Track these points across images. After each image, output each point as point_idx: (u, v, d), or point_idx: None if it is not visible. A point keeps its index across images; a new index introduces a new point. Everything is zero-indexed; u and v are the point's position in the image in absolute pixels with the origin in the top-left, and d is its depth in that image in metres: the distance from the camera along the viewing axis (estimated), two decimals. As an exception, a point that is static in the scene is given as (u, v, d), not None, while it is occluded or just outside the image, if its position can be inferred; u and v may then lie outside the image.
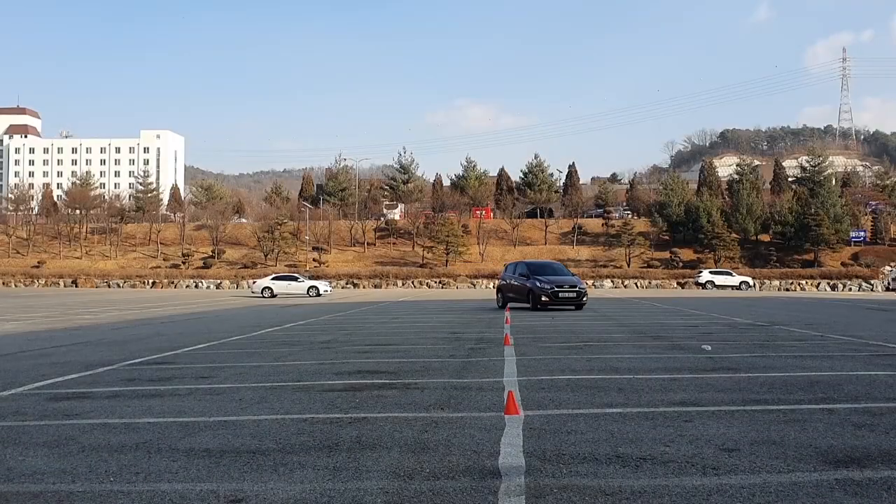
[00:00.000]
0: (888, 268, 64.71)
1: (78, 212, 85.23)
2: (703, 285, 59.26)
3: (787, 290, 61.38)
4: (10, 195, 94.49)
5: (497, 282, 29.95)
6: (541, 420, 5.88)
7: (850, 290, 60.99)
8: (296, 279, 45.13)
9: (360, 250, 77.88)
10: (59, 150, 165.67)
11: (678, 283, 64.26)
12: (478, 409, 6.40)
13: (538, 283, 23.04)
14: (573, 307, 23.19)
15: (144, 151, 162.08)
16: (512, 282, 25.27)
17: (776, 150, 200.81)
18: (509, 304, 24.70)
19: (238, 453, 4.93)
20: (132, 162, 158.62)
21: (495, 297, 27.60)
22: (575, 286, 23.40)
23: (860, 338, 13.29)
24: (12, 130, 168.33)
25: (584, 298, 23.44)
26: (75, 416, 6.35)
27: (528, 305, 23.51)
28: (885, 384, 7.68)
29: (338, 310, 26.10)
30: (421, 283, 66.65)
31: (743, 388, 7.46)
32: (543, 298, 22.64)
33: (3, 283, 69.60)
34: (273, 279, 44.62)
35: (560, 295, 22.85)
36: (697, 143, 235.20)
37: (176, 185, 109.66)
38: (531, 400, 6.82)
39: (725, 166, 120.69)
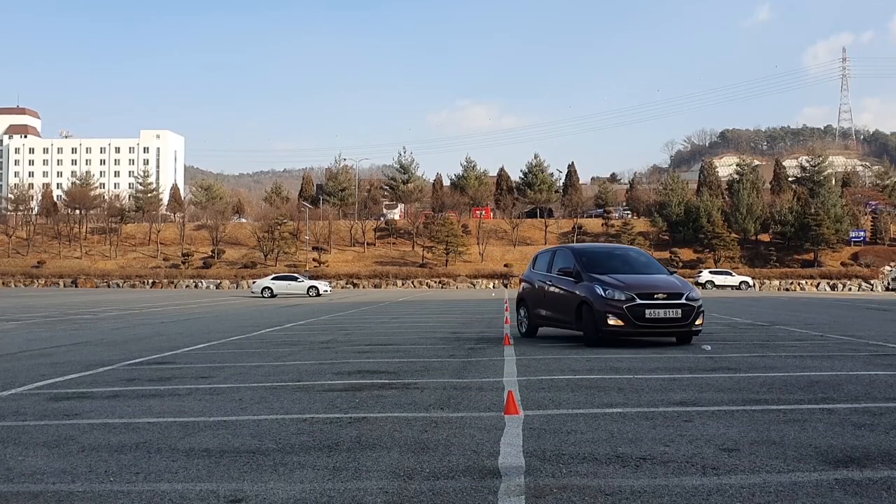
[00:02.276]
0: (888, 268, 64.72)
1: (78, 212, 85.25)
2: (703, 285, 59.28)
3: (787, 289, 61.38)
4: (10, 195, 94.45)
5: (518, 287, 15.44)
6: (541, 420, 5.88)
7: (850, 289, 60.98)
8: (295, 279, 45.16)
9: (359, 250, 77.86)
10: (59, 150, 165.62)
11: (678, 283, 64.19)
12: (478, 409, 6.40)
13: (601, 289, 11.60)
14: (674, 339, 12.12)
15: (144, 151, 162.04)
16: (546, 286, 13.30)
17: (776, 150, 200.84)
18: (540, 328, 13.89)
19: (238, 453, 4.92)
20: (132, 162, 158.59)
21: (515, 313, 15.12)
22: (681, 294, 11.63)
23: (860, 338, 13.28)
24: (12, 130, 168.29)
25: (699, 321, 11.75)
26: (75, 416, 6.35)
27: (577, 332, 12.33)
28: (885, 384, 7.67)
29: (338, 310, 26.10)
30: (421, 283, 66.66)
31: (743, 388, 7.46)
32: (612, 321, 11.33)
33: (3, 283, 69.60)
34: (273, 279, 44.66)
35: (648, 314, 11.29)
36: (697, 143, 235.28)
37: (176, 185, 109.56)
38: (531, 400, 6.81)
39: (725, 166, 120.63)
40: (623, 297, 11.39)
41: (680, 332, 11.85)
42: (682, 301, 11.55)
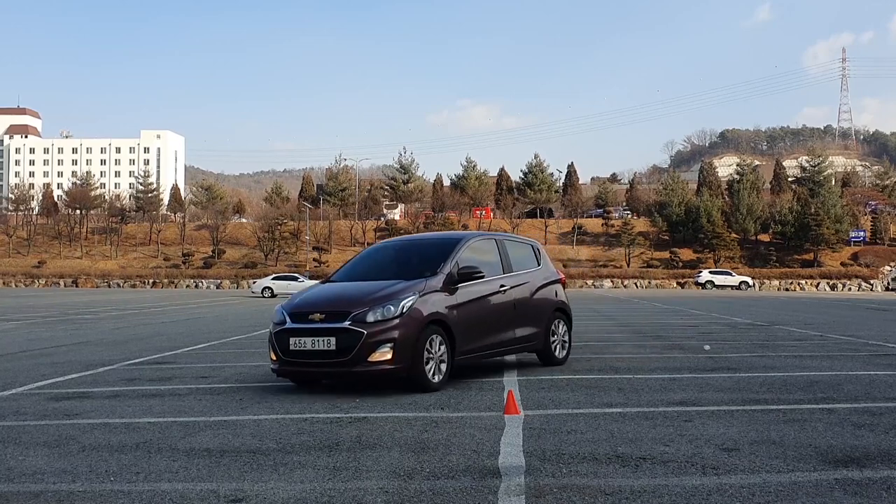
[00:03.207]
0: (888, 268, 64.74)
1: (78, 212, 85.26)
2: (703, 285, 59.31)
3: (787, 290, 61.39)
4: (10, 195, 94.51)
5: None
6: (541, 420, 5.88)
7: (850, 289, 61.00)
8: (296, 279, 45.18)
9: (360, 250, 77.76)
10: (60, 150, 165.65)
11: (678, 283, 64.31)
12: (478, 409, 6.41)
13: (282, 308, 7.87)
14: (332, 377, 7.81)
15: (144, 151, 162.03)
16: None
17: (776, 150, 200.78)
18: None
19: (238, 453, 4.93)
20: (132, 162, 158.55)
21: None
22: (346, 314, 7.25)
23: (860, 338, 13.29)
24: (12, 130, 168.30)
25: (378, 356, 7.09)
26: (75, 415, 6.35)
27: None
28: (884, 384, 7.68)
29: (338, 310, 26.06)
30: (421, 283, 66.66)
31: (743, 387, 7.47)
32: (271, 353, 7.66)
33: (4, 283, 69.62)
34: (273, 279, 44.70)
35: (293, 345, 7.33)
36: (697, 143, 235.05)
37: (176, 185, 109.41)
38: (531, 399, 6.82)
39: (725, 166, 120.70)
40: (277, 320, 7.73)
41: (334, 373, 7.50)
42: (343, 325, 7.22)
